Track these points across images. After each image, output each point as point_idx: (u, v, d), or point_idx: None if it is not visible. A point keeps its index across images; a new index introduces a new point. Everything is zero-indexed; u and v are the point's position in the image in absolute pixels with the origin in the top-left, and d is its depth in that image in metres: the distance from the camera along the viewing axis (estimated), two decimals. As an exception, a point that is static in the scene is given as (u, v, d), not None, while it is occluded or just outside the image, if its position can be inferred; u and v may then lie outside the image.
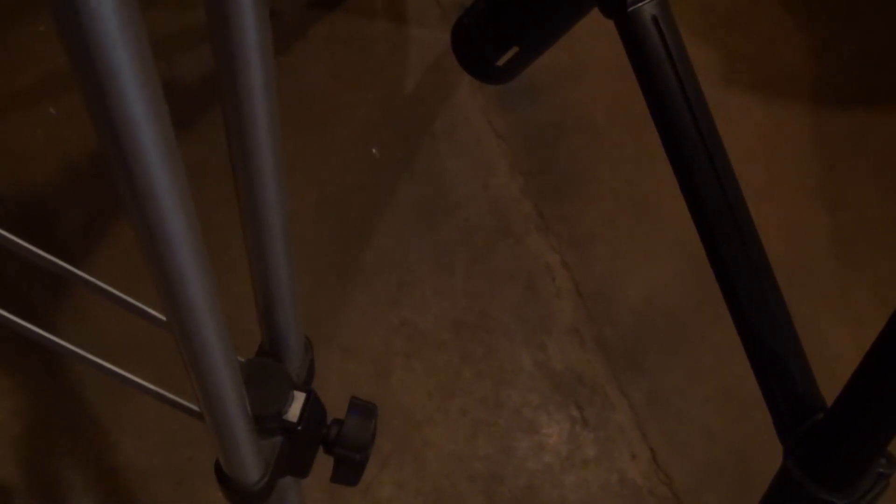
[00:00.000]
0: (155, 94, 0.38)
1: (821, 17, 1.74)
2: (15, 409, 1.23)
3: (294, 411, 0.67)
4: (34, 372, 1.25)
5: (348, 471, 0.71)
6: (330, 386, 1.31)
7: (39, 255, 0.61)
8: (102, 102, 0.37)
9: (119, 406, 1.24)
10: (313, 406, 0.68)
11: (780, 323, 0.54)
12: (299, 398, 0.67)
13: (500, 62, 1.10)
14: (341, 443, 0.70)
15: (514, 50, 1.09)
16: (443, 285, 1.39)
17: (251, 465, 0.65)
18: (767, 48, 1.71)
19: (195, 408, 0.63)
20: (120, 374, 0.64)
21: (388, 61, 1.50)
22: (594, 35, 1.44)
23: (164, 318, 0.54)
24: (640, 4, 0.73)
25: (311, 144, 1.42)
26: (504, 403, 1.36)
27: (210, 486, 1.23)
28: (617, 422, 1.40)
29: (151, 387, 0.65)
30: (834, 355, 1.54)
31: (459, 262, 1.41)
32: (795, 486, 0.50)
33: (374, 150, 1.42)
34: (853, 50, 1.72)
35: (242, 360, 0.67)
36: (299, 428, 0.67)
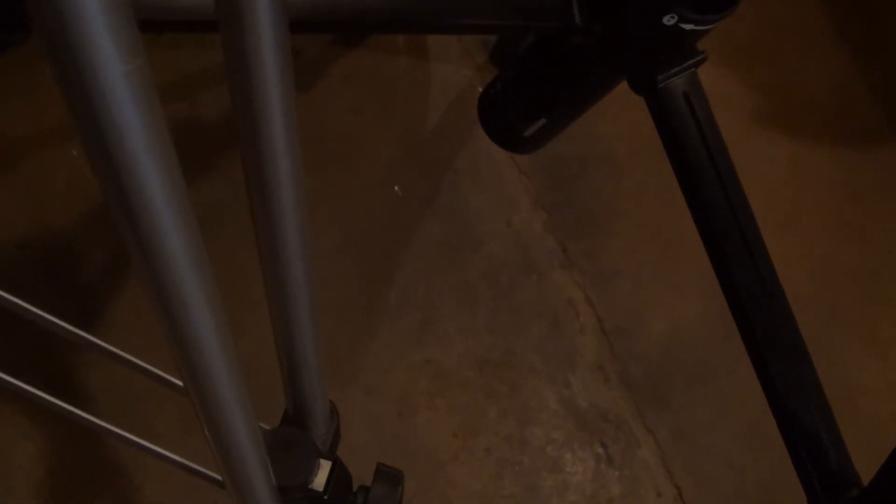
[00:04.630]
0: (165, 150, 0.37)
1: (845, 48, 1.73)
2: (37, 453, 1.23)
3: (320, 481, 0.66)
4: (56, 415, 1.25)
5: (371, 537, 0.71)
6: (353, 427, 1.31)
7: (50, 321, 0.61)
8: (106, 154, 0.35)
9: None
10: (339, 474, 0.67)
11: (812, 396, 0.53)
12: (325, 467, 0.67)
13: (528, 133, 1.10)
14: (368, 511, 0.69)
15: (541, 120, 1.08)
16: (466, 323, 1.39)
17: (277, 534, 0.64)
18: (791, 78, 1.70)
19: (218, 477, 0.62)
20: (140, 444, 0.63)
21: (410, 98, 1.50)
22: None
23: (181, 383, 0.54)
24: (670, 80, 0.73)
25: (333, 183, 1.42)
26: (529, 442, 1.36)
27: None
28: (642, 459, 1.39)
29: (174, 456, 0.65)
30: (859, 388, 1.52)
31: (483, 299, 1.40)
32: None
33: (396, 188, 1.42)
34: (878, 81, 1.71)
35: (267, 427, 0.67)
36: (325, 497, 0.66)
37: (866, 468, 1.03)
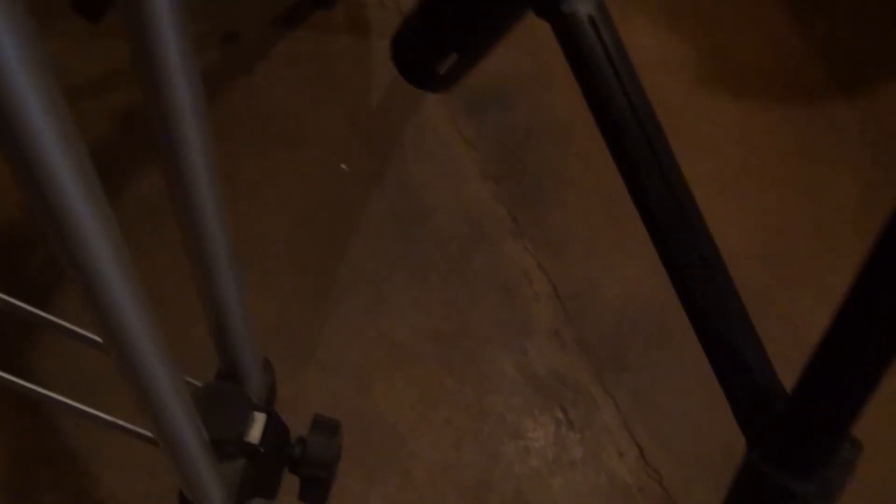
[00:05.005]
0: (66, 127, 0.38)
1: (785, 8, 1.74)
2: (-6, 445, 1.22)
3: (255, 433, 0.66)
4: (11, 406, 1.25)
5: (315, 489, 0.71)
6: (311, 403, 1.31)
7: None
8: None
9: (99, 438, 1.23)
10: (275, 427, 0.67)
11: (734, 315, 0.53)
12: (259, 420, 0.67)
13: (442, 70, 1.10)
14: (306, 462, 0.69)
15: (453, 56, 1.08)
16: (419, 295, 1.39)
17: (213, 489, 0.64)
18: (734, 41, 1.72)
19: (149, 434, 0.62)
20: (68, 405, 0.63)
21: (353, 75, 1.50)
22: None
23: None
24: (573, 4, 0.72)
25: (279, 164, 1.42)
26: (488, 410, 1.36)
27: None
28: (603, 422, 1.40)
29: (102, 415, 0.65)
30: (813, 340, 1.54)
31: (435, 271, 1.41)
32: (761, 477, 0.50)
33: (343, 165, 1.42)
34: (819, 39, 1.72)
35: (199, 384, 0.67)
36: (261, 450, 0.66)
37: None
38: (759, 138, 1.63)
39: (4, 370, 0.69)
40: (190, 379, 0.66)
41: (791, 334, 1.52)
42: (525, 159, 1.50)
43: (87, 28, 1.29)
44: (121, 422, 0.65)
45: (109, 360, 0.58)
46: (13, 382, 0.62)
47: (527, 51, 1.45)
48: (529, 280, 1.43)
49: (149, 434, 0.66)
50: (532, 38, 1.34)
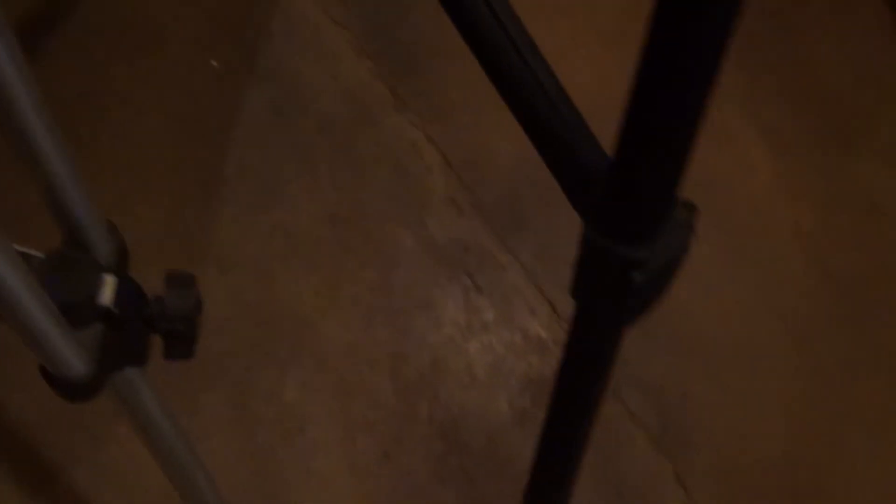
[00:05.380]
0: None
1: None
2: None
3: (106, 296, 0.65)
4: None
5: (178, 344, 0.70)
6: (214, 301, 1.29)
7: None
8: None
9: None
10: (128, 289, 0.66)
11: (549, 91, 0.53)
12: (110, 282, 0.66)
13: None
14: (165, 317, 0.68)
15: None
16: (309, 183, 1.38)
17: (70, 357, 0.64)
18: None
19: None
20: None
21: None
22: None
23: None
24: None
25: (147, 70, 1.39)
26: (394, 286, 1.36)
27: (111, 423, 1.22)
28: (510, 282, 1.40)
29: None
30: (713, 180, 1.55)
31: (322, 156, 1.39)
32: (599, 252, 0.49)
33: (213, 62, 1.40)
34: None
35: (40, 254, 0.65)
36: (115, 312, 0.65)
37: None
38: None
39: None
40: (33, 251, 0.65)
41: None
42: (399, 34, 1.48)
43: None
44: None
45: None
46: None
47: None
48: (419, 153, 1.43)
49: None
50: None
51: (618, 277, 0.48)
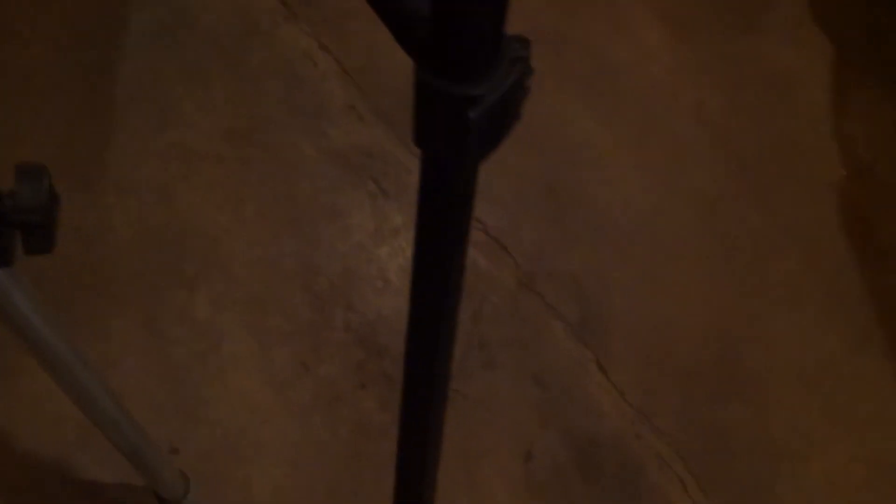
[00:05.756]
0: None
1: None
2: None
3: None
4: None
5: (37, 237, 0.68)
6: (115, 227, 1.28)
7: None
8: None
9: None
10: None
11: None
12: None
13: None
14: (19, 210, 0.66)
15: None
16: (203, 100, 1.36)
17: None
18: None
19: None
20: None
21: None
22: None
23: None
24: None
25: (27, 2, 1.35)
26: (298, 197, 1.35)
27: (23, 355, 1.20)
28: (415, 183, 1.39)
29: None
30: (618, 65, 1.55)
31: (214, 72, 1.37)
32: (433, 93, 0.48)
33: (93, -15, 1.36)
34: None
35: None
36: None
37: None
38: None
39: None
40: None
41: (593, 62, 1.54)
42: (283, -59, 1.45)
43: None
44: None
45: None
46: None
47: None
48: (313, 61, 1.41)
49: None
50: None
51: (455, 117, 0.47)
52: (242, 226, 1.31)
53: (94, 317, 1.22)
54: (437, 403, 0.67)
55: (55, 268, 1.20)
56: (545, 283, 1.41)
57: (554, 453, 1.33)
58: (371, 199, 1.37)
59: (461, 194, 0.54)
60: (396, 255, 1.36)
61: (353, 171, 1.37)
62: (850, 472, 1.45)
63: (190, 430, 1.21)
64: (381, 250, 1.35)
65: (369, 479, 1.26)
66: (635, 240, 1.50)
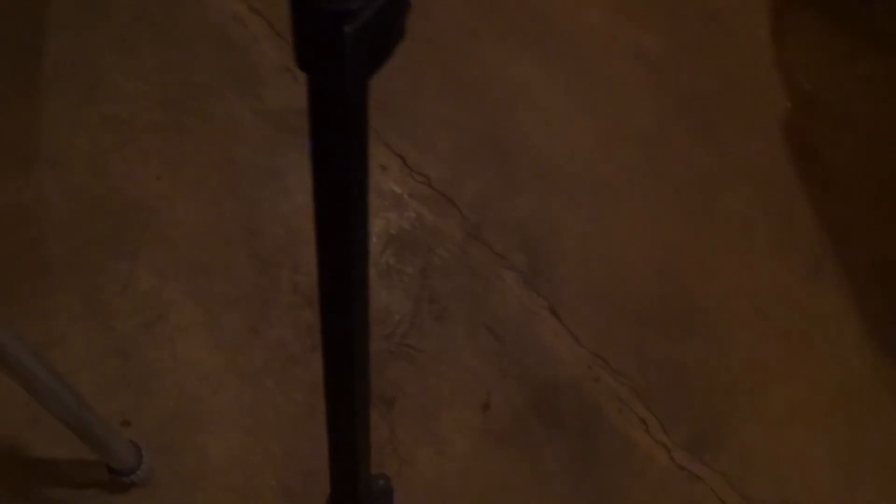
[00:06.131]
0: None
1: None
2: None
3: None
4: None
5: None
6: (53, 203, 1.27)
7: None
8: None
9: None
10: None
11: None
12: None
13: None
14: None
15: None
16: (134, 69, 1.34)
17: None
18: None
19: None
20: None
21: None
22: None
23: None
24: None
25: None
26: (236, 161, 1.34)
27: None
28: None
29: None
30: None
31: (142, 40, 1.35)
32: (308, 10, 0.46)
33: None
34: None
35: None
36: None
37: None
38: None
39: None
40: None
41: None
42: None
43: None
44: None
45: None
46: None
47: None
48: (244, 24, 1.39)
49: None
50: None
51: (331, 34, 0.46)
52: (181, 194, 1.30)
53: (35, 294, 1.21)
54: (357, 344, 0.65)
55: (-7, 248, 1.19)
56: (493, 233, 1.41)
57: (512, 402, 1.33)
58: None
59: (352, 118, 0.53)
60: (340, 214, 1.35)
61: (290, 132, 1.36)
62: (811, 400, 1.46)
63: (142, 402, 1.20)
64: (324, 210, 1.34)
65: (326, 439, 1.25)
66: (581, 184, 1.49)
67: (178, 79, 1.34)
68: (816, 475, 1.40)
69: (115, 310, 1.23)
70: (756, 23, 1.69)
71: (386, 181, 1.37)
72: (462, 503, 1.26)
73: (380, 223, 1.36)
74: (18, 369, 0.88)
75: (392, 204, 1.37)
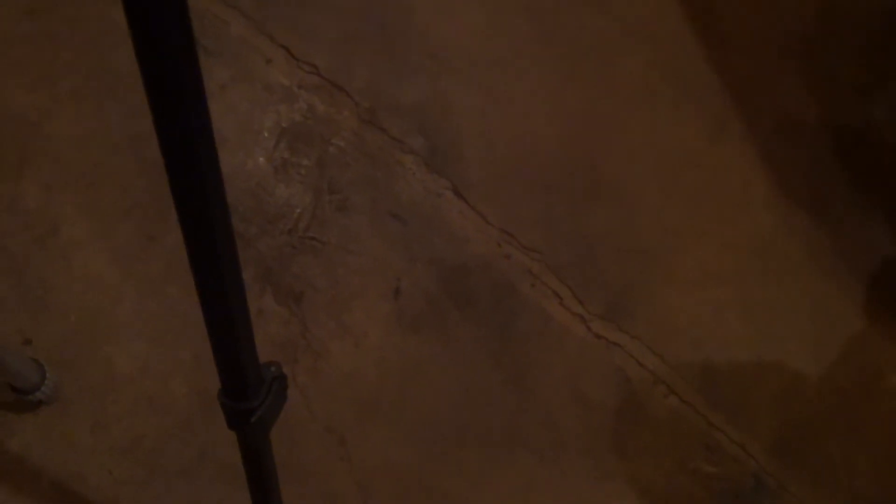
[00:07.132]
0: None
1: None
2: None
3: None
4: None
5: None
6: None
7: None
8: None
9: None
10: None
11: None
12: None
13: None
14: None
15: None
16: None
17: None
18: None
19: None
20: None
21: None
22: None
23: None
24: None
25: None
26: (115, 66, 1.29)
27: None
28: (238, 36, 1.35)
29: None
30: None
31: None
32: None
33: None
34: None
35: None
36: None
37: None
38: None
39: None
40: None
41: None
42: None
43: None
44: None
45: None
46: None
47: None
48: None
49: None
50: None
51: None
52: (61, 105, 1.26)
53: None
54: (214, 208, 0.61)
55: None
56: (388, 117, 1.38)
57: (423, 286, 1.32)
58: (194, 58, 1.31)
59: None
60: (229, 112, 1.32)
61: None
62: (723, 259, 1.46)
63: (41, 319, 1.18)
64: (211, 108, 1.30)
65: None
66: (475, 61, 1.47)
67: (44, -14, 1.29)
68: (732, 332, 1.41)
69: (4, 229, 1.20)
70: None
71: (273, 74, 1.34)
72: (381, 392, 1.25)
73: (271, 118, 1.33)
74: None
75: (281, 97, 1.34)
